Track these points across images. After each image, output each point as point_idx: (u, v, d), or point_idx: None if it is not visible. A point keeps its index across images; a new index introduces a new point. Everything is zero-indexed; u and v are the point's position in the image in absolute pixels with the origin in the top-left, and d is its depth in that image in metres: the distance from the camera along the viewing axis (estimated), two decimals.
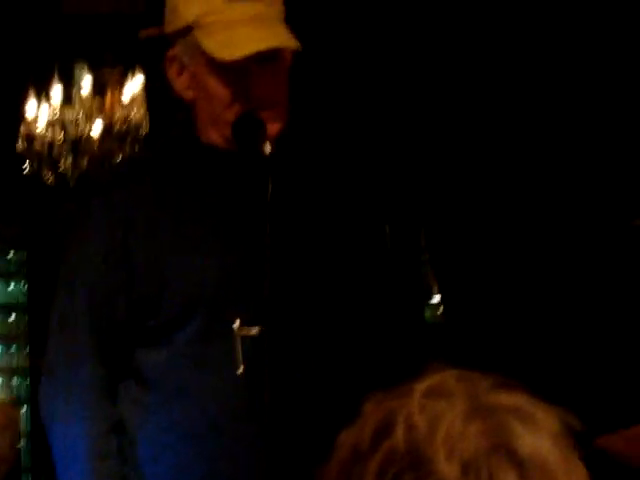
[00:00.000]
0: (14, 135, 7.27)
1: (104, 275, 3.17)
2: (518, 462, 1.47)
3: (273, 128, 3.09)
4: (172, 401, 3.17)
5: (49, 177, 7.52)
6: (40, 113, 7.33)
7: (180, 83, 3.17)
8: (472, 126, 6.64)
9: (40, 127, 7.36)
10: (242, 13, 3.12)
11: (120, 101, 7.42)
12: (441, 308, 6.10)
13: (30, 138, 7.34)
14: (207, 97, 3.16)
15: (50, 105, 7.37)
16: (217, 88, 3.13)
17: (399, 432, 1.49)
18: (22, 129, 7.30)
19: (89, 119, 7.45)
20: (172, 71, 3.18)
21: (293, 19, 3.19)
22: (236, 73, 3.09)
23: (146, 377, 3.19)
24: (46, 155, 7.43)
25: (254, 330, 2.88)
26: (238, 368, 2.89)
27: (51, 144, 7.41)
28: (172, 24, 3.18)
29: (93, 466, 3.15)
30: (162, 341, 3.15)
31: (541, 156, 6.60)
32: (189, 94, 3.18)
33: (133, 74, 7.29)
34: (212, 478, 3.12)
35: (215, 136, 3.19)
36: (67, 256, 3.29)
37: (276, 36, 3.10)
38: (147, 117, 7.37)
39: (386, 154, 3.93)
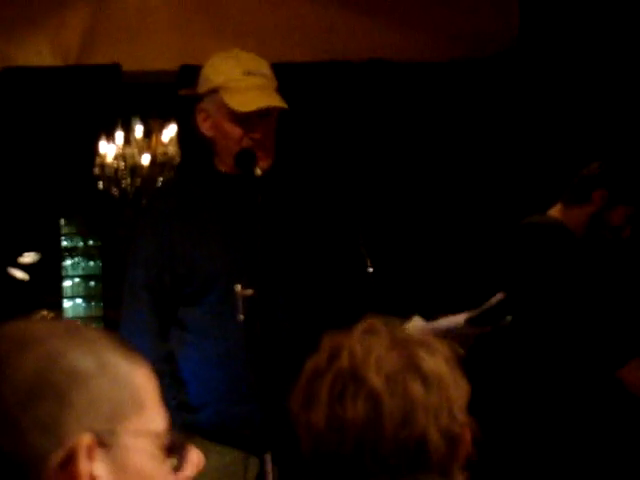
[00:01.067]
0: (92, 164, 7.75)
1: (155, 260, 3.52)
2: (423, 376, 1.72)
3: (265, 162, 3.45)
4: (200, 338, 3.48)
5: (115, 192, 8.09)
6: (108, 150, 7.93)
7: (205, 126, 3.54)
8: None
9: (109, 159, 7.99)
10: (253, 83, 3.47)
11: (161, 141, 8.02)
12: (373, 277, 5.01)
13: (102, 166, 7.95)
14: (223, 136, 3.50)
15: (115, 144, 7.99)
16: (231, 130, 3.47)
17: (345, 357, 1.74)
18: (97, 160, 7.85)
19: (140, 153, 8.09)
20: (200, 118, 3.55)
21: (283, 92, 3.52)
22: (244, 121, 3.46)
23: (185, 324, 3.51)
24: (113, 177, 8.07)
25: (250, 292, 3.17)
26: (239, 316, 3.21)
27: (116, 170, 8.05)
28: (204, 86, 3.53)
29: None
30: (194, 302, 3.48)
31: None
32: (210, 134, 3.53)
33: (169, 123, 7.88)
34: (227, 386, 3.40)
35: (227, 164, 3.53)
36: (132, 247, 3.63)
37: (273, 100, 3.46)
38: (179, 152, 7.83)
39: (335, 179, 3.92)
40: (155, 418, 1.33)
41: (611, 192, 4.13)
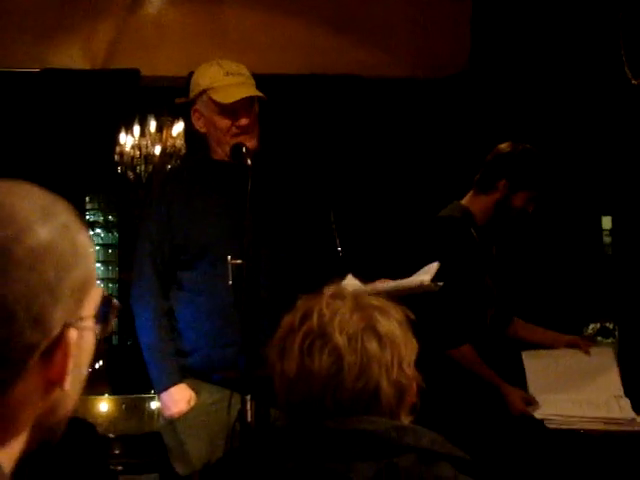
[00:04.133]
0: (112, 152, 7.74)
1: (158, 232, 3.49)
2: (378, 336, 1.70)
3: (251, 143, 3.41)
4: (194, 296, 3.44)
5: (131, 175, 8.01)
6: (127, 140, 7.86)
7: (199, 124, 3.50)
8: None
9: (127, 148, 7.89)
10: (233, 81, 3.43)
11: (171, 135, 7.91)
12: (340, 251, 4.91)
13: (121, 154, 7.87)
14: (214, 129, 3.46)
15: (132, 136, 7.91)
16: (220, 122, 3.42)
17: (314, 318, 1.71)
18: (117, 149, 7.80)
19: (153, 145, 8.01)
20: (194, 117, 3.51)
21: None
22: (230, 113, 3.41)
23: (183, 285, 3.48)
24: (129, 163, 7.97)
25: (239, 261, 3.11)
26: (229, 280, 3.15)
27: (132, 157, 7.95)
28: (194, 91, 3.50)
29: (156, 329, 3.45)
30: (189, 267, 3.46)
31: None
32: (204, 130, 3.49)
33: (178, 121, 7.78)
34: (215, 334, 3.37)
35: (219, 153, 3.48)
36: (141, 222, 3.65)
37: (251, 91, 3.43)
38: (185, 145, 7.75)
39: (313, 171, 3.81)
40: (97, 289, 1.17)
41: (512, 182, 4.07)
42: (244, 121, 3.41)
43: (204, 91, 3.44)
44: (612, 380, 4.02)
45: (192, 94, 3.50)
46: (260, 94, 3.43)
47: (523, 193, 4.09)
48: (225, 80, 3.42)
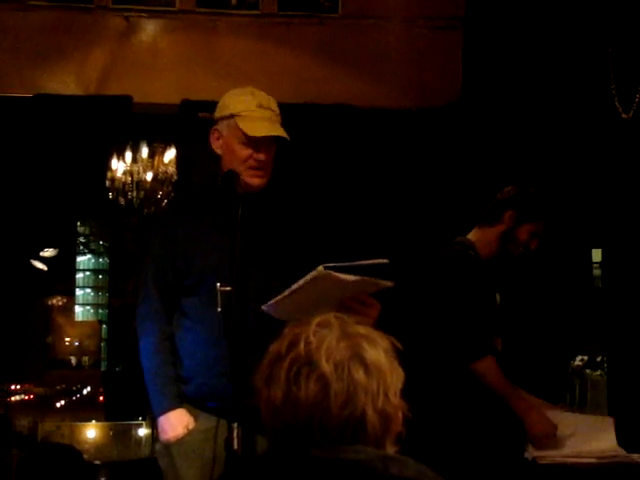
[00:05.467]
0: (104, 177, 7.87)
1: (162, 259, 3.51)
2: (365, 364, 1.71)
3: (261, 180, 3.43)
4: (194, 323, 3.45)
5: (122, 201, 8.04)
6: (119, 166, 7.96)
7: (216, 144, 3.49)
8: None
9: (119, 174, 7.99)
10: (263, 115, 3.42)
11: (162, 162, 7.97)
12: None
13: (113, 180, 7.97)
14: (231, 155, 3.45)
15: (124, 162, 8.00)
16: (240, 150, 3.42)
17: (301, 345, 1.72)
18: (108, 174, 7.94)
19: (145, 171, 8.05)
20: (213, 137, 3.50)
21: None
22: (251, 145, 3.41)
23: (184, 311, 3.49)
24: (121, 189, 8.02)
25: (228, 288, 3.08)
26: (218, 307, 3.14)
27: (124, 184, 8.02)
28: (222, 112, 3.48)
29: (158, 353, 3.46)
30: (191, 293, 3.46)
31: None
32: (220, 151, 3.49)
33: (170, 148, 7.89)
34: (211, 364, 3.36)
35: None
36: (148, 250, 3.61)
37: (279, 130, 3.41)
38: (176, 171, 7.91)
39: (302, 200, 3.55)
40: None
41: (518, 212, 4.17)
42: (263, 156, 3.42)
43: (232, 116, 3.44)
44: (609, 442, 4.02)
45: (218, 114, 3.50)
46: (286, 135, 3.41)
47: (528, 225, 4.17)
48: (257, 112, 3.42)
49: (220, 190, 3.43)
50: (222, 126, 3.47)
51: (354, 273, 2.77)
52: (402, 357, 1.77)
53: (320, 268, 2.73)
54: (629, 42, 4.75)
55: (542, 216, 4.20)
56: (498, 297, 4.29)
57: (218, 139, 3.48)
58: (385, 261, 2.84)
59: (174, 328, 3.49)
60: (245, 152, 3.41)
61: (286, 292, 2.87)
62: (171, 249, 3.49)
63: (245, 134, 3.39)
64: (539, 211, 4.19)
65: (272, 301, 2.93)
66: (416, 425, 1.78)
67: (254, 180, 3.40)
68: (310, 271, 2.77)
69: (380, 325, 1.91)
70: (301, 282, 2.80)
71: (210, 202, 3.51)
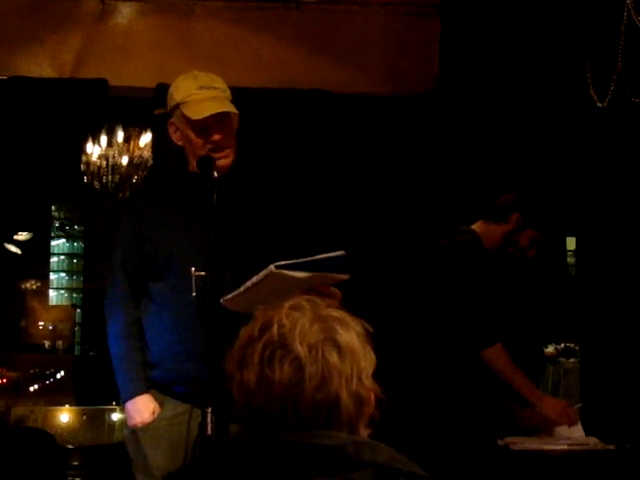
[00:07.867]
0: (79, 162, 7.96)
1: (130, 243, 3.54)
2: (339, 347, 1.72)
3: (224, 162, 3.40)
4: (161, 309, 3.46)
5: (97, 185, 8.17)
6: (94, 150, 8.09)
7: (175, 137, 3.51)
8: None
9: (94, 158, 8.11)
10: (206, 94, 3.41)
11: (138, 146, 8.09)
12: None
13: (88, 164, 8.11)
14: (189, 143, 3.46)
15: (99, 146, 8.13)
16: (195, 138, 3.42)
17: (274, 328, 1.71)
18: (83, 158, 8.06)
19: (120, 155, 8.17)
20: (171, 130, 3.52)
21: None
22: (203, 128, 3.40)
23: (151, 296, 3.51)
24: (96, 173, 8.15)
25: (202, 273, 3.05)
26: (192, 292, 3.09)
27: (99, 167, 8.12)
28: (169, 104, 3.50)
29: (125, 338, 3.48)
30: (158, 278, 3.48)
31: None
32: (180, 143, 3.51)
33: (145, 132, 8.03)
34: (181, 351, 3.37)
35: (195, 166, 3.39)
36: (117, 234, 3.64)
37: (224, 106, 3.39)
38: (152, 156, 7.91)
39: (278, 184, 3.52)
40: None
41: (524, 216, 4.31)
42: (216, 137, 3.40)
43: (178, 105, 3.43)
44: (577, 432, 4.15)
45: (168, 107, 3.50)
46: (231, 109, 3.39)
47: (531, 231, 4.32)
48: (198, 94, 3.40)
49: (191, 175, 3.44)
50: (175, 118, 3.47)
51: (308, 268, 2.75)
52: (374, 340, 1.76)
53: (271, 267, 2.74)
54: (605, 31, 4.75)
55: (546, 226, 4.34)
56: None
57: (176, 132, 3.49)
58: (342, 253, 2.81)
59: (142, 313, 3.50)
60: (200, 137, 3.41)
61: (241, 289, 2.87)
62: (138, 232, 3.50)
63: (191, 120, 3.38)
64: (544, 220, 4.33)
65: (229, 296, 2.93)
66: (390, 410, 1.77)
67: (219, 162, 3.35)
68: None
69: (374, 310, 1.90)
70: (254, 280, 2.80)
71: (180, 186, 3.52)
